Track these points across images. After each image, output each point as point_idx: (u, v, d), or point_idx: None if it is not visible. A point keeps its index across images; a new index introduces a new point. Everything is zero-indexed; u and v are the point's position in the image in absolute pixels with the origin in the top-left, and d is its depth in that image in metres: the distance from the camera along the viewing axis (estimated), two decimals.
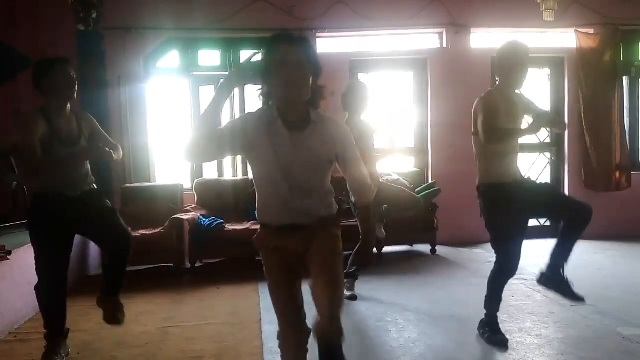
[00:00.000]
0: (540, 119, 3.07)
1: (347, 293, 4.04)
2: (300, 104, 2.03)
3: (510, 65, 3.04)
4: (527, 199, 3.06)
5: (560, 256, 3.12)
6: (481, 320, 3.28)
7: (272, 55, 1.99)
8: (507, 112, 3.06)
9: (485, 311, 3.24)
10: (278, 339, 2.24)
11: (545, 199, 3.13)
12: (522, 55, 3.04)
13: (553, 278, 3.15)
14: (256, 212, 2.17)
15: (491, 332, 3.20)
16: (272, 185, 2.06)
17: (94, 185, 3.12)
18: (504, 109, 3.05)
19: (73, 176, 2.97)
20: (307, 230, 2.08)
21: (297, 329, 2.18)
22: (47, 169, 2.89)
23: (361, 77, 6.33)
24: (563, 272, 3.13)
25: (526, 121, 3.15)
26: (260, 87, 2.07)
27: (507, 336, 3.25)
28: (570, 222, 3.07)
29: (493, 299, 3.21)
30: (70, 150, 2.93)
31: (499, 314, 3.23)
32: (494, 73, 3.14)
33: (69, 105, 2.98)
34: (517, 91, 3.15)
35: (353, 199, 3.53)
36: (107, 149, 3.00)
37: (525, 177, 3.28)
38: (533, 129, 3.12)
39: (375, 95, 5.62)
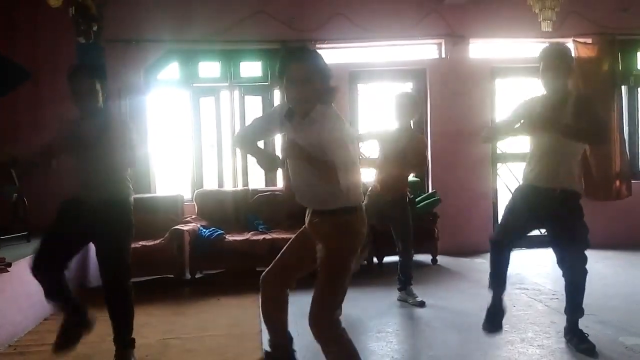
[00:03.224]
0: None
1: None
2: (308, 108, 2.36)
3: (541, 66, 3.02)
4: (543, 214, 3.11)
5: (571, 311, 3.21)
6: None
7: (282, 73, 2.34)
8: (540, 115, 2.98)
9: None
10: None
11: (555, 231, 3.21)
12: (551, 57, 2.99)
13: (572, 333, 3.22)
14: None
15: (485, 319, 3.25)
16: (290, 167, 2.49)
17: (123, 197, 3.07)
18: (535, 112, 2.99)
19: (90, 180, 2.99)
20: (319, 218, 2.43)
21: (278, 279, 2.58)
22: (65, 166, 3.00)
23: (361, 87, 6.36)
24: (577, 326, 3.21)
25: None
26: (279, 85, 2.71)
27: (509, 347, 3.25)
28: (566, 280, 3.20)
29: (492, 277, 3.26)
30: (86, 153, 2.97)
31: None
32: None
33: (95, 111, 3.00)
34: (560, 95, 3.01)
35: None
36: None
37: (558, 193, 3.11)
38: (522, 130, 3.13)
39: (375, 106, 5.63)
